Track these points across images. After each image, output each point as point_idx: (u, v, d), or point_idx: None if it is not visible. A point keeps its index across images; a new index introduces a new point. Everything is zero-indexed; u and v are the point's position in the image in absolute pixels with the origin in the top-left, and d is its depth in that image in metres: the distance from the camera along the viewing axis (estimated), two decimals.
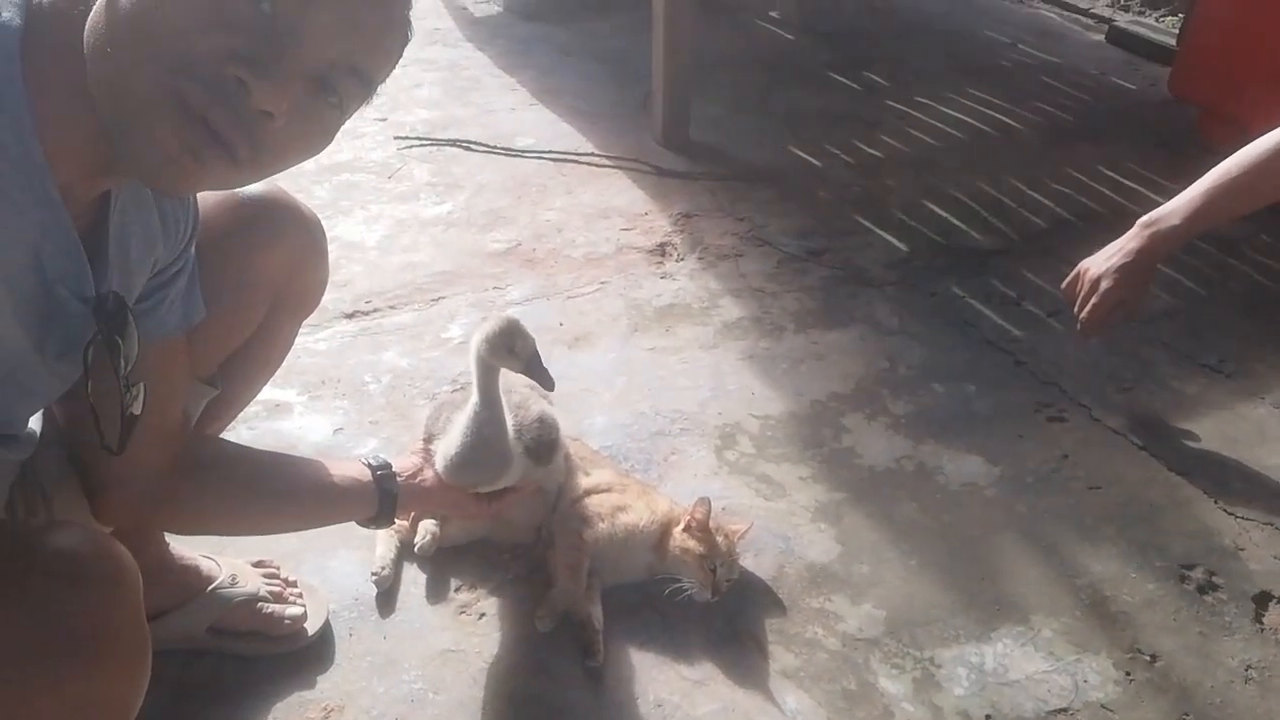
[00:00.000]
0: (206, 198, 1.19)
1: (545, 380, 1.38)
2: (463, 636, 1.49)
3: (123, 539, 1.28)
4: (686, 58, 2.85)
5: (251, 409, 1.83)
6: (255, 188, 1.28)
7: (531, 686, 1.43)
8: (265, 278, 1.29)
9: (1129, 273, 1.85)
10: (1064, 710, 1.42)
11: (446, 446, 1.41)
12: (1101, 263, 1.89)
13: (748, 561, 1.62)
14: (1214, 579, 1.62)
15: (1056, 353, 2.14)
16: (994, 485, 1.81)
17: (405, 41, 0.88)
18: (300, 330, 2.06)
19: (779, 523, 1.72)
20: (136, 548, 1.34)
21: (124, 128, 0.78)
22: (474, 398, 1.40)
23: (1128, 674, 1.47)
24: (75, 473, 1.13)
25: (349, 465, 1.36)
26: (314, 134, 0.86)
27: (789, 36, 3.88)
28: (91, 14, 0.78)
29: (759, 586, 1.60)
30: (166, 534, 1.43)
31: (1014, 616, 1.56)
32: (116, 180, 0.93)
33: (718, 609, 1.54)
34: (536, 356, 1.37)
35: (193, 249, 1.11)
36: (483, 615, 1.53)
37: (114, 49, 0.76)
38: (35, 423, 1.12)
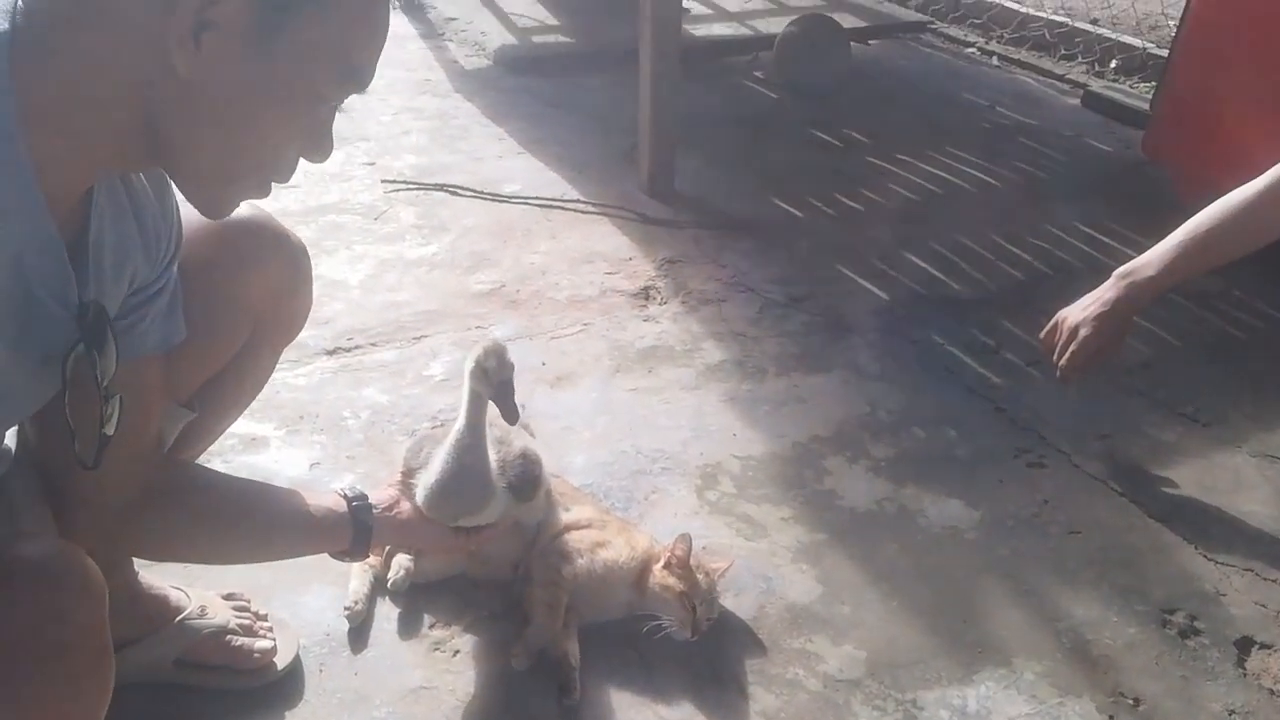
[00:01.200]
0: (191, 218, 1.19)
1: (509, 411, 1.35)
2: (436, 674, 1.46)
3: None
4: (671, 110, 2.90)
5: (227, 441, 1.81)
6: (241, 211, 1.27)
7: None
8: (248, 302, 1.28)
9: (1106, 321, 1.87)
10: None
11: (427, 476, 1.39)
12: (1079, 312, 1.91)
13: (728, 601, 1.60)
14: (1195, 623, 1.62)
15: (1036, 400, 2.15)
16: (975, 529, 1.81)
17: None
18: (279, 365, 2.06)
19: (760, 562, 1.70)
20: (104, 573, 1.33)
21: (181, 174, 0.90)
22: (459, 423, 1.39)
23: (1111, 718, 1.46)
24: (45, 492, 1.11)
25: (325, 496, 1.34)
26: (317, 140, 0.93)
27: (772, 96, 3.96)
28: (149, 67, 0.81)
29: (739, 626, 1.58)
30: (135, 562, 1.39)
31: (996, 659, 1.55)
32: (99, 175, 0.93)
33: (697, 648, 1.51)
34: (508, 385, 1.35)
35: (175, 269, 1.11)
36: (457, 652, 1.50)
37: (193, 120, 0.85)
38: (9, 440, 1.11)
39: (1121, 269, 1.89)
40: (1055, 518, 1.84)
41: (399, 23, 4.60)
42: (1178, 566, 1.74)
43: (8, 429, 1.07)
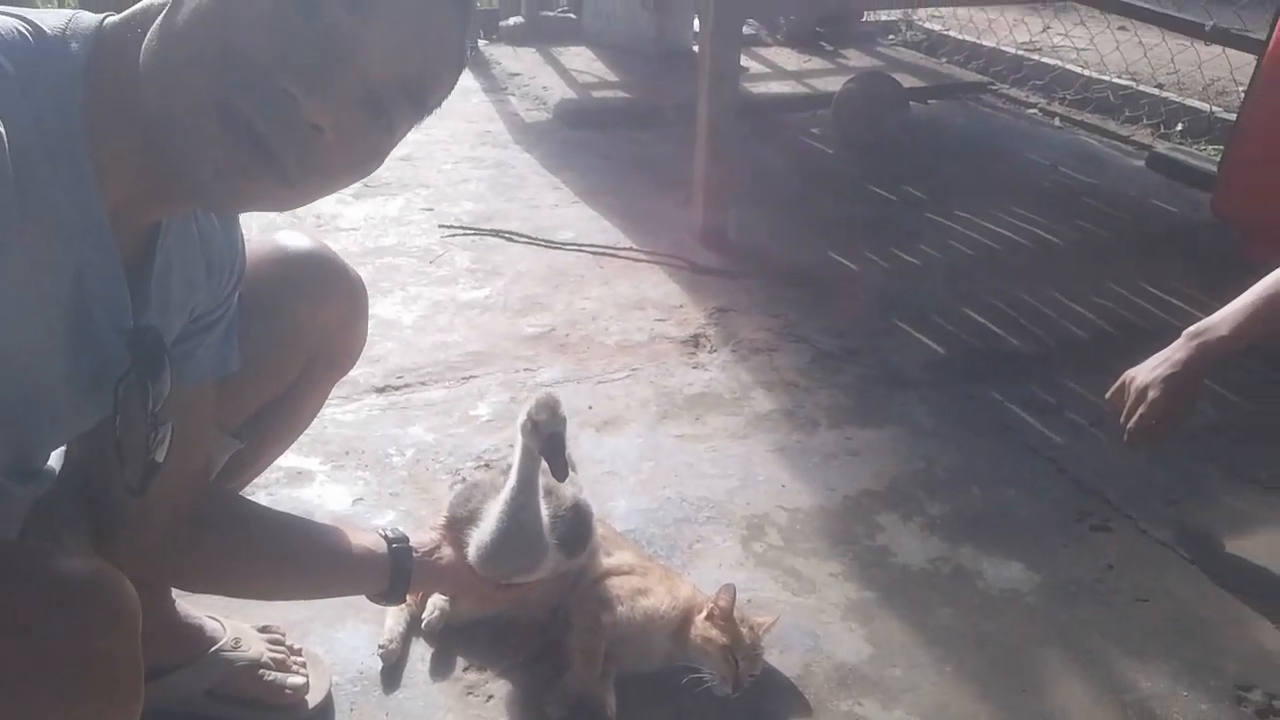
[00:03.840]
0: (254, 250, 1.21)
1: (559, 468, 1.31)
2: (468, 718, 1.42)
3: None
4: (727, 162, 2.91)
5: (272, 474, 1.81)
6: (303, 244, 1.29)
7: None
8: (306, 334, 1.28)
9: (1177, 383, 1.79)
10: None
11: (480, 535, 1.36)
12: (1148, 373, 1.84)
13: (773, 657, 1.54)
14: (1274, 703, 1.51)
15: (1100, 462, 2.07)
16: (1035, 593, 1.72)
17: (461, 67, 0.88)
18: (328, 401, 2.08)
19: (807, 619, 1.64)
20: (141, 601, 1.32)
21: (173, 139, 0.79)
22: (511, 480, 1.35)
23: None
24: (87, 516, 1.10)
25: (365, 535, 1.33)
26: (363, 155, 0.85)
27: (829, 151, 3.96)
28: (148, 34, 0.79)
29: (783, 684, 1.51)
30: (172, 591, 1.38)
31: None
32: (168, 210, 0.93)
33: (738, 705, 1.45)
34: (559, 439, 1.31)
35: (235, 299, 1.11)
36: (490, 697, 1.45)
37: (165, 62, 0.77)
38: (54, 461, 1.11)
39: (1191, 329, 1.82)
40: (1120, 585, 1.75)
41: (463, 78, 4.69)
42: (1253, 641, 1.63)
43: (55, 449, 1.07)
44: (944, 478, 2.01)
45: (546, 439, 1.31)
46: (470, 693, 1.46)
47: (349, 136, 0.82)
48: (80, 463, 1.10)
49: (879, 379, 2.34)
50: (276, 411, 1.31)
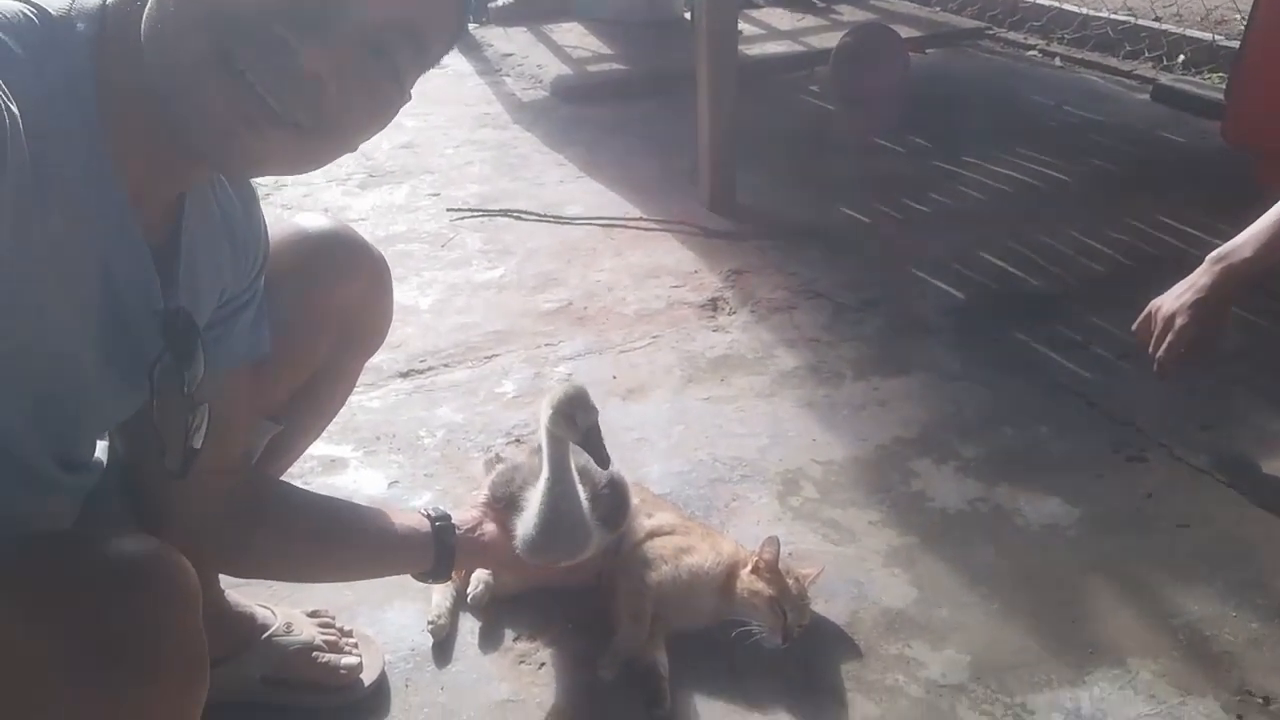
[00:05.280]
0: (275, 232, 1.21)
1: (601, 456, 1.32)
2: (522, 686, 1.43)
3: None
4: (730, 125, 2.89)
5: (305, 464, 1.81)
6: (322, 224, 1.29)
7: None
8: (332, 313, 1.28)
9: (1204, 308, 1.78)
10: None
11: (524, 527, 1.36)
12: (1174, 300, 1.82)
13: (819, 607, 1.54)
14: None
15: (1130, 394, 2.06)
16: (1075, 526, 1.72)
17: (462, 14, 0.87)
18: (355, 390, 2.08)
19: (850, 568, 1.64)
20: None
21: (178, 101, 0.78)
22: (544, 472, 1.35)
23: (1239, 717, 1.36)
24: (134, 511, 1.11)
25: (408, 515, 1.33)
26: (372, 105, 0.84)
27: (830, 108, 3.93)
28: (147, 4, 0.79)
29: (832, 632, 1.52)
30: (221, 581, 1.39)
31: (1109, 659, 1.46)
32: (186, 182, 0.93)
33: (790, 656, 1.45)
34: (596, 430, 1.32)
35: (261, 281, 1.11)
36: (542, 664, 1.46)
37: (164, 27, 0.77)
38: (100, 454, 1.12)
39: (1215, 253, 1.80)
40: (1161, 512, 1.74)
41: (457, 61, 4.68)
42: None
43: (97, 437, 1.07)
44: (975, 420, 2.00)
45: (585, 432, 1.31)
46: (522, 661, 1.47)
47: (354, 87, 0.81)
48: (123, 457, 1.11)
49: (901, 328, 2.33)
50: (309, 393, 1.31)
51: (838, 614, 1.55)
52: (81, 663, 0.75)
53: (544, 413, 1.33)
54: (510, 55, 4.67)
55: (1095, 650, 1.47)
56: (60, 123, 0.77)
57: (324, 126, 0.82)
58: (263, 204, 0.89)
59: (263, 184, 2.82)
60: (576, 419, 1.31)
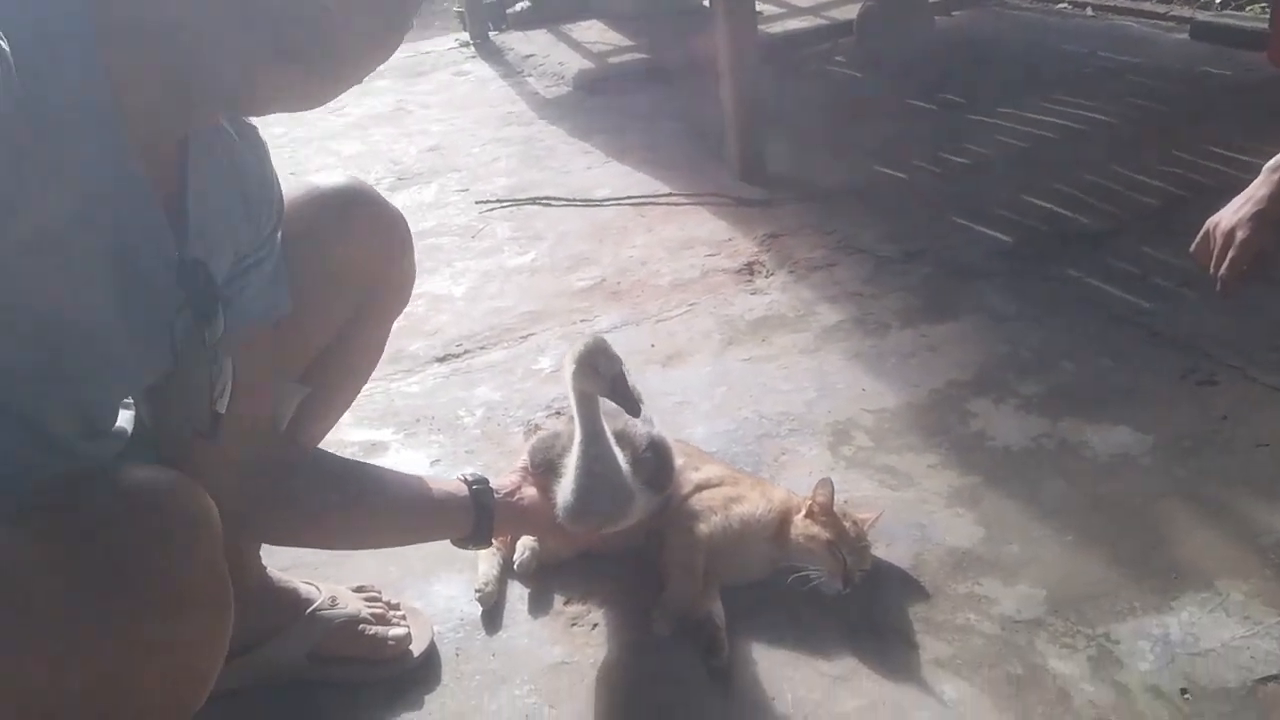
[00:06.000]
0: (290, 191, 1.18)
1: (630, 404, 1.28)
2: (575, 649, 1.37)
3: None
4: (753, 91, 2.83)
5: (346, 449, 1.79)
6: (337, 180, 1.26)
7: (655, 694, 1.30)
8: (351, 270, 1.25)
9: (1264, 220, 1.67)
10: (1276, 677, 1.21)
11: (563, 493, 1.31)
12: (1232, 215, 1.71)
13: (880, 551, 1.47)
14: None
15: (1194, 319, 1.96)
16: (1148, 453, 1.63)
17: None
18: (392, 375, 2.06)
19: (910, 511, 1.56)
20: (233, 568, 1.30)
21: (193, 40, 0.77)
22: (577, 434, 1.30)
23: None
24: None
25: (445, 481, 1.30)
26: (377, 27, 0.82)
27: (858, 75, 3.85)
28: None
29: (896, 575, 1.44)
30: (263, 558, 1.37)
31: (1195, 583, 1.36)
32: (191, 121, 0.90)
33: (852, 601, 1.38)
34: (622, 378, 1.27)
35: (278, 238, 1.09)
36: (595, 625, 1.41)
37: None
38: (124, 422, 1.09)
39: (1272, 162, 1.69)
40: (1238, 433, 1.64)
41: (479, 68, 4.70)
42: None
43: (120, 400, 1.05)
44: (1032, 358, 1.91)
45: (611, 381, 1.26)
46: (574, 624, 1.42)
47: (358, 11, 0.79)
48: (149, 425, 1.08)
49: (947, 275, 2.25)
50: (336, 354, 1.28)
51: (901, 557, 1.48)
52: (86, 592, 0.72)
53: (567, 369, 1.28)
54: (531, 56, 4.66)
55: (1180, 575, 1.38)
56: (55, 59, 0.75)
57: (332, 58, 0.81)
58: (279, 109, 0.86)
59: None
60: (600, 368, 1.26)
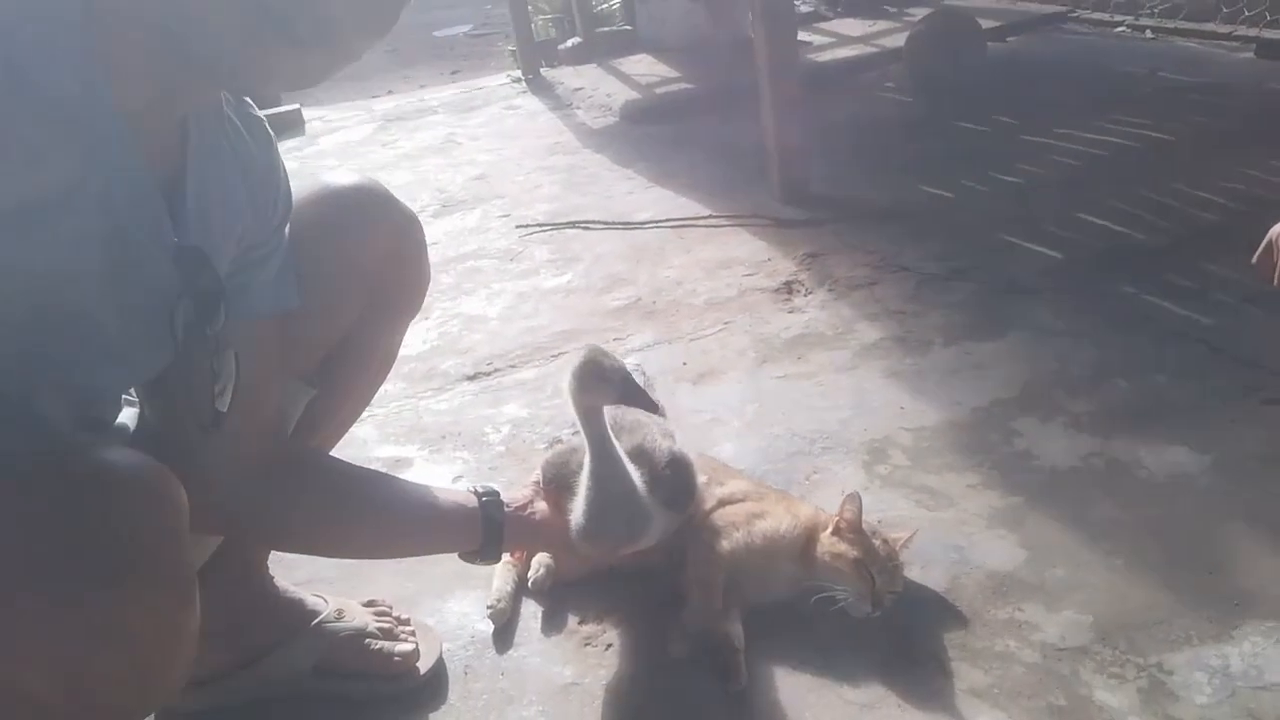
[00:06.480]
0: (302, 187, 1.17)
1: (646, 402, 1.23)
2: (587, 669, 1.31)
3: (225, 568, 1.21)
4: (795, 110, 2.79)
5: (372, 465, 1.76)
6: (349, 179, 1.25)
7: (667, 718, 1.23)
8: (361, 268, 1.22)
9: None
10: None
11: (575, 513, 1.25)
12: None
13: (915, 574, 1.38)
14: None
15: (1258, 335, 1.84)
16: (1207, 474, 1.52)
17: None
18: (421, 394, 2.04)
19: (948, 532, 1.48)
20: (239, 576, 1.27)
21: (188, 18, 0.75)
22: (587, 453, 1.24)
23: None
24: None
25: (455, 492, 1.26)
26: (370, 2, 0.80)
27: (908, 100, 3.78)
28: None
29: (931, 599, 1.36)
30: (271, 567, 1.33)
31: (1259, 611, 1.25)
32: (188, 101, 0.88)
33: (882, 625, 1.30)
34: (630, 379, 1.21)
35: (286, 231, 1.07)
36: (609, 646, 1.35)
37: None
38: (127, 419, 1.08)
39: None
40: None
41: (529, 101, 4.74)
42: None
43: (119, 391, 1.03)
44: (1083, 374, 1.81)
45: (619, 385, 1.20)
46: (587, 644, 1.36)
47: None
48: (152, 421, 1.06)
49: (994, 292, 2.16)
50: (346, 355, 1.25)
51: (937, 580, 1.39)
52: (58, 568, 0.69)
53: (569, 385, 1.21)
54: (580, 89, 4.68)
55: (1242, 603, 1.27)
56: (41, 27, 0.73)
57: (328, 34, 0.79)
58: (274, 88, 0.84)
59: None
60: (605, 373, 1.20)
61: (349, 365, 1.28)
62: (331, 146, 4.31)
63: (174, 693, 0.85)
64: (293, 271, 1.08)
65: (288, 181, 1.08)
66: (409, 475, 1.78)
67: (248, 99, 1.01)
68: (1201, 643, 1.22)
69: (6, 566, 0.67)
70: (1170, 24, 4.26)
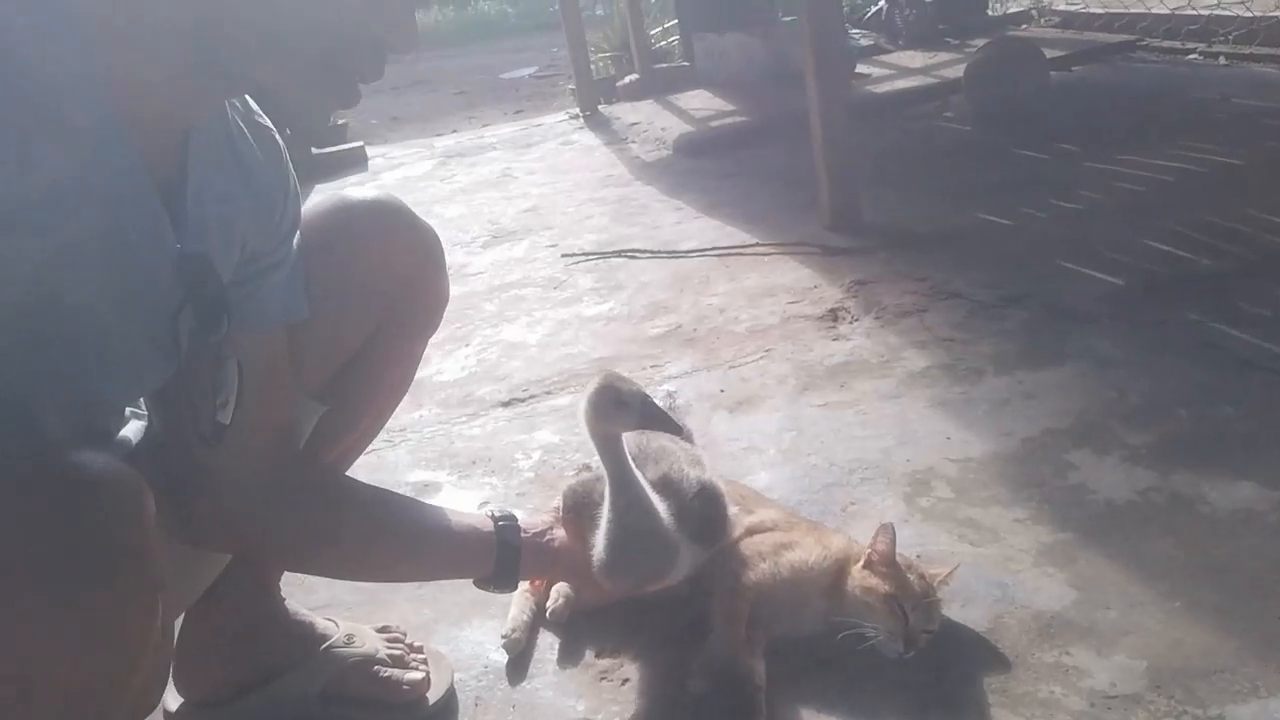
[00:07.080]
0: (321, 202, 1.17)
1: (668, 424, 1.18)
2: (601, 704, 1.25)
3: (235, 587, 1.19)
4: (845, 136, 2.74)
5: (401, 490, 1.73)
6: (367, 194, 1.23)
7: None
8: (373, 282, 1.20)
9: None
10: None
11: (596, 548, 1.20)
12: None
13: (954, 612, 1.30)
14: None
15: None
16: (1277, 511, 1.40)
17: None
18: (454, 419, 2.02)
19: (992, 569, 1.38)
20: (249, 596, 1.25)
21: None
22: (607, 485, 1.18)
23: None
24: (167, 492, 1.04)
25: (471, 516, 1.22)
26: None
27: (967, 129, 3.70)
28: None
29: (970, 639, 1.27)
30: (282, 590, 1.31)
31: None
32: (190, 108, 0.87)
33: (917, 666, 1.21)
34: (649, 402, 1.16)
35: (294, 242, 1.05)
36: (626, 680, 1.28)
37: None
38: (130, 432, 1.06)
39: None
40: None
41: (586, 137, 4.77)
42: None
43: (122, 402, 1.02)
44: (1142, 405, 1.71)
45: (638, 409, 1.15)
46: (604, 678, 1.29)
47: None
48: (158, 432, 1.05)
49: (1049, 319, 2.06)
50: (358, 373, 1.22)
51: (978, 619, 1.30)
52: (21, 570, 0.67)
53: (584, 413, 1.17)
54: (636, 124, 4.70)
55: None
56: (38, 19, 0.73)
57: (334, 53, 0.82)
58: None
59: None
60: (623, 398, 1.15)
61: (363, 382, 1.25)
62: (392, 181, 4.38)
63: (152, 705, 0.83)
64: (301, 283, 1.07)
65: (298, 192, 1.07)
66: (436, 500, 1.75)
67: (254, 106, 1.00)
68: (1270, 694, 1.11)
69: None
70: (1246, 49, 4.12)
